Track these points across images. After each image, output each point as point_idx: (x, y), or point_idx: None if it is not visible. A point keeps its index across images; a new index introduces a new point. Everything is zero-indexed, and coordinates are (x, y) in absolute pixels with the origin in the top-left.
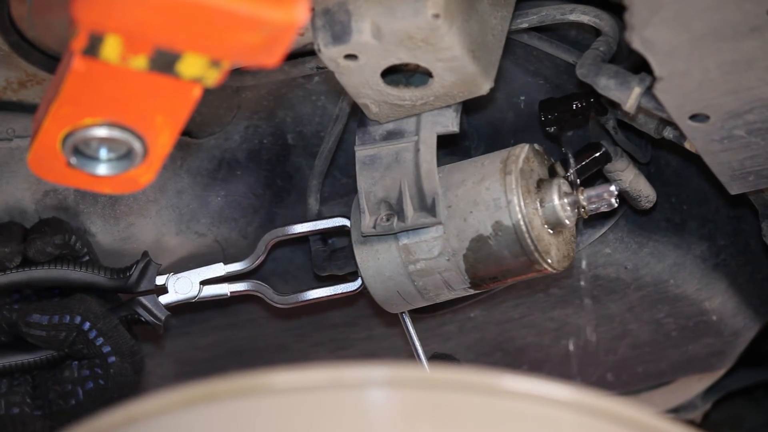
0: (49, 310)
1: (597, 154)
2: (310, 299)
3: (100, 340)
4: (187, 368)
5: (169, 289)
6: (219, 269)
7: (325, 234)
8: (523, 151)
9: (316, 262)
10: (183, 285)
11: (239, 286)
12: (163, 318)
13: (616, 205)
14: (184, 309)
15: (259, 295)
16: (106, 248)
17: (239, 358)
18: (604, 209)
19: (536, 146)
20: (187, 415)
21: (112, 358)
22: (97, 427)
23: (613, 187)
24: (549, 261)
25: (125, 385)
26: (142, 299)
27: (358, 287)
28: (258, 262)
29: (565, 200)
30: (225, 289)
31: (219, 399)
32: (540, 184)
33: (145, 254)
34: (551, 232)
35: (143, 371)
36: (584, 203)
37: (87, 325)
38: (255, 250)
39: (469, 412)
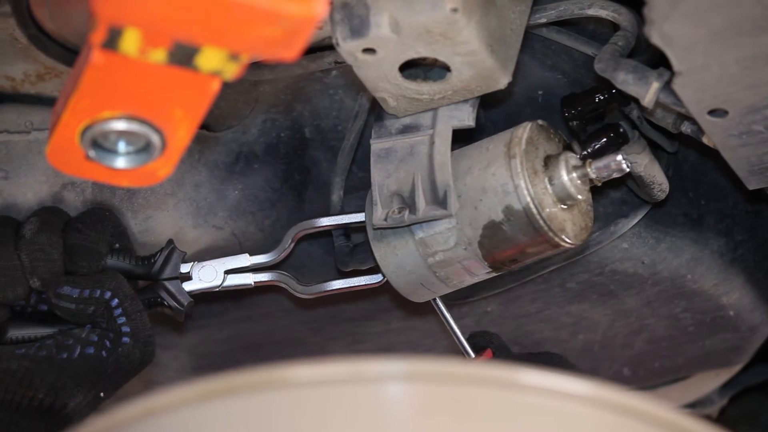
0: (80, 283)
1: (613, 134)
2: (333, 290)
3: (122, 320)
4: (204, 361)
5: (194, 276)
6: (244, 260)
7: (348, 229)
8: (525, 131)
9: (339, 257)
10: (207, 273)
11: (263, 277)
12: (186, 304)
13: (628, 170)
14: (206, 298)
15: (283, 285)
16: None
17: (256, 351)
18: (616, 176)
19: (540, 122)
20: (205, 408)
21: (126, 339)
22: (116, 419)
23: (619, 157)
24: (564, 237)
25: (125, 370)
26: (167, 284)
27: (381, 280)
28: (284, 254)
29: (574, 174)
30: (249, 278)
31: (237, 393)
32: (547, 161)
33: (169, 242)
34: (564, 207)
35: (149, 363)
36: (593, 175)
37: (115, 301)
38: (281, 242)
39: (487, 407)
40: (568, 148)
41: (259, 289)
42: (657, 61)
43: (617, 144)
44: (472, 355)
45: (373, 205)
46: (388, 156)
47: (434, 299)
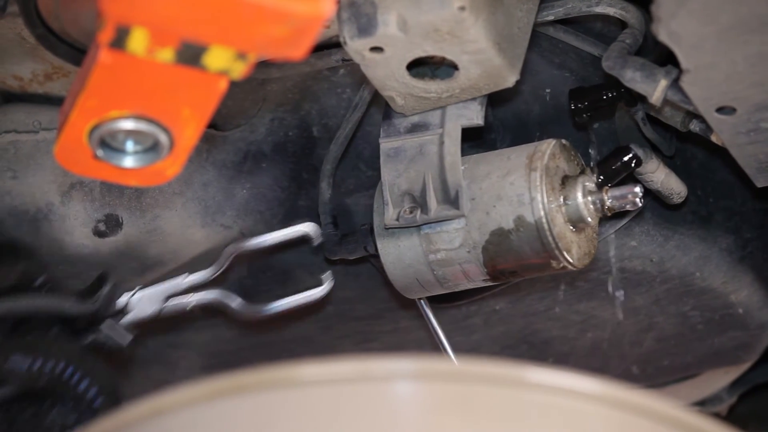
0: (30, 349)
1: (626, 158)
2: (277, 309)
3: (85, 383)
4: (213, 360)
5: (132, 308)
6: (181, 281)
7: (336, 217)
8: (549, 147)
9: (327, 246)
10: (145, 302)
11: (204, 296)
12: (126, 342)
13: (641, 204)
14: (147, 325)
15: (223, 305)
16: (132, 240)
17: (264, 350)
18: (629, 208)
19: (563, 141)
20: (214, 407)
21: (98, 402)
22: (124, 419)
23: (637, 188)
24: (569, 258)
25: None
26: (105, 324)
27: (323, 293)
28: (219, 272)
29: (589, 198)
30: (189, 299)
31: (246, 391)
32: (565, 180)
33: (103, 276)
34: (573, 229)
35: (122, 400)
36: (608, 203)
37: (70, 370)
38: (218, 260)
39: (495, 405)
40: (583, 170)
41: (266, 287)
42: (665, 58)
43: (631, 168)
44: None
45: (384, 205)
46: (397, 155)
47: (420, 300)
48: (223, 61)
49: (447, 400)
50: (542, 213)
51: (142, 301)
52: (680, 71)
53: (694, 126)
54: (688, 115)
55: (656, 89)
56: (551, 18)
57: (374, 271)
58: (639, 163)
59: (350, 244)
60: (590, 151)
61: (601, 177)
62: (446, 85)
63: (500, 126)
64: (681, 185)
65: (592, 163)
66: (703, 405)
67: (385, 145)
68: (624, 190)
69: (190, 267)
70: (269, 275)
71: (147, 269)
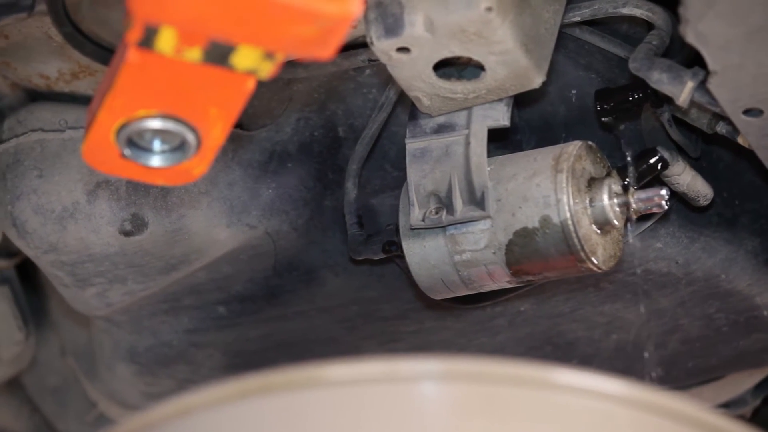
0: None
1: (653, 160)
2: None
3: None
4: (237, 360)
5: None
6: None
7: (361, 217)
8: (575, 148)
9: (352, 246)
10: None
11: None
12: None
13: (667, 207)
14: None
15: None
16: (158, 239)
17: (289, 350)
18: (655, 210)
19: (590, 143)
20: (241, 407)
21: None
22: (151, 418)
23: (664, 191)
24: (594, 260)
25: None
26: None
27: None
28: None
29: (615, 201)
30: None
31: (273, 391)
32: (591, 182)
33: None
34: (599, 231)
35: None
36: (634, 205)
37: None
38: None
39: (522, 407)
40: (609, 173)
41: (292, 287)
42: (692, 60)
43: (657, 170)
44: None
45: (410, 206)
46: (423, 156)
47: None
48: (251, 61)
49: (473, 401)
50: (568, 214)
51: None
52: (707, 73)
53: (721, 128)
54: (715, 116)
55: (683, 91)
56: (578, 19)
57: (399, 272)
58: (666, 166)
59: (375, 244)
60: (626, 152)
61: (627, 180)
62: (472, 85)
63: (526, 127)
64: (707, 187)
65: (629, 166)
66: (727, 407)
67: (411, 145)
68: (650, 193)
69: (215, 267)
70: (295, 275)
71: (172, 269)
